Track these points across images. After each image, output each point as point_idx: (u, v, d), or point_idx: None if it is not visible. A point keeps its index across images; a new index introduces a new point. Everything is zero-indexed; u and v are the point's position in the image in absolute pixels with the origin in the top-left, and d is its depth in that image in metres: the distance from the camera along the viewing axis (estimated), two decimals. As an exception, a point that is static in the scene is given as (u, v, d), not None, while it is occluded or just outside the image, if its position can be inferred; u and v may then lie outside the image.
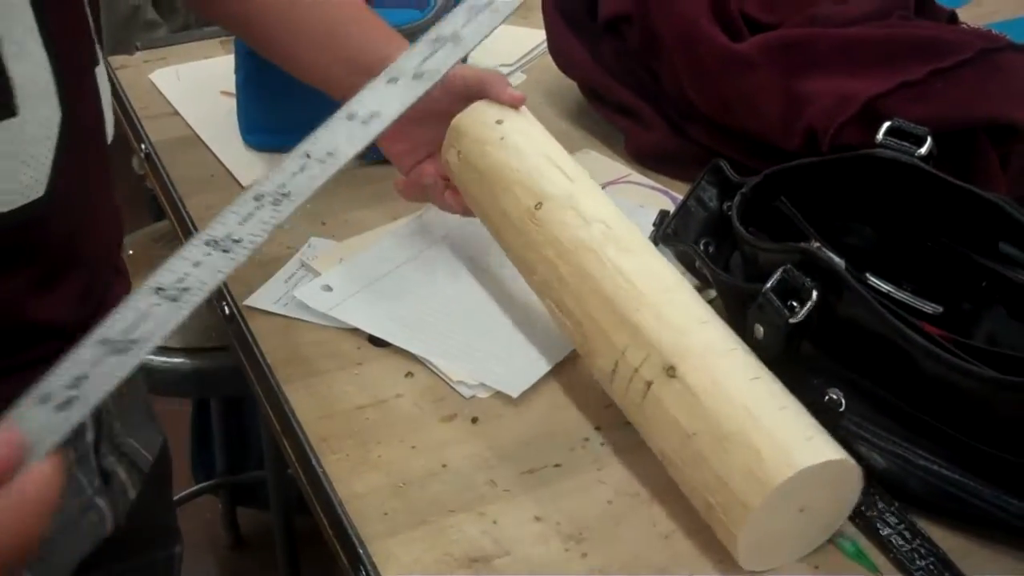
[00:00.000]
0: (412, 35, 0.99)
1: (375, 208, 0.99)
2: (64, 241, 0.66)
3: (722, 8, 0.99)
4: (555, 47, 1.13)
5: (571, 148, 1.08)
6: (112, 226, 0.74)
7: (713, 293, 0.85)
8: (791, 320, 0.67)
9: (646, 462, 0.70)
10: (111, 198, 0.73)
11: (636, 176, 1.05)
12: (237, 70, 1.08)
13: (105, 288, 0.72)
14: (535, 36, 1.30)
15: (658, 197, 1.02)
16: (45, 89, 0.61)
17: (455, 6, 1.10)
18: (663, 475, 0.68)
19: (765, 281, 0.69)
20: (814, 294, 0.67)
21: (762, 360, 0.68)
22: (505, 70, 1.24)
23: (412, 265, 0.91)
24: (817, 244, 0.76)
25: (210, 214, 0.97)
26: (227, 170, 1.05)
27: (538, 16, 1.18)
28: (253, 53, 1.03)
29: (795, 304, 0.68)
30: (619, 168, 1.07)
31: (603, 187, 1.01)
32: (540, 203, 0.76)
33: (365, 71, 0.69)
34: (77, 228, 0.67)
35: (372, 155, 0.98)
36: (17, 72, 0.58)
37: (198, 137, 1.13)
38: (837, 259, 0.69)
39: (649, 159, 1.06)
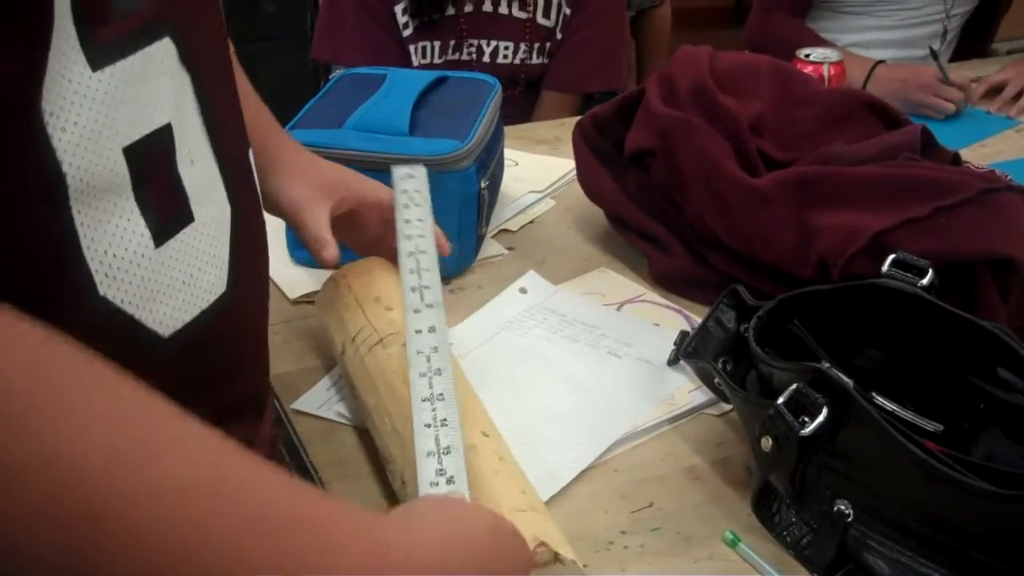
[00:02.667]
0: (454, 163, 1.08)
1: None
2: (251, 324, 0.70)
3: (741, 146, 1.07)
4: (583, 177, 1.21)
5: (592, 268, 1.16)
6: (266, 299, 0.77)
7: (727, 407, 0.91)
8: (801, 433, 0.73)
9: (670, 566, 0.75)
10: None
11: (652, 295, 1.12)
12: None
13: None
14: (563, 165, 1.39)
15: (674, 316, 1.08)
16: (214, 187, 0.64)
17: (494, 136, 1.19)
18: (683, 576, 0.73)
19: (778, 398, 0.75)
20: (824, 410, 0.73)
21: (773, 471, 0.74)
22: (535, 196, 1.32)
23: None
24: (827, 364, 0.81)
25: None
26: (276, 284, 1.12)
27: (566, 147, 1.27)
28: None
29: (806, 419, 0.74)
30: (635, 287, 1.13)
31: (620, 305, 1.09)
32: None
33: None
34: (257, 308, 0.71)
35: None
36: (190, 179, 0.61)
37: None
38: (846, 379, 0.74)
39: (670, 283, 1.12)
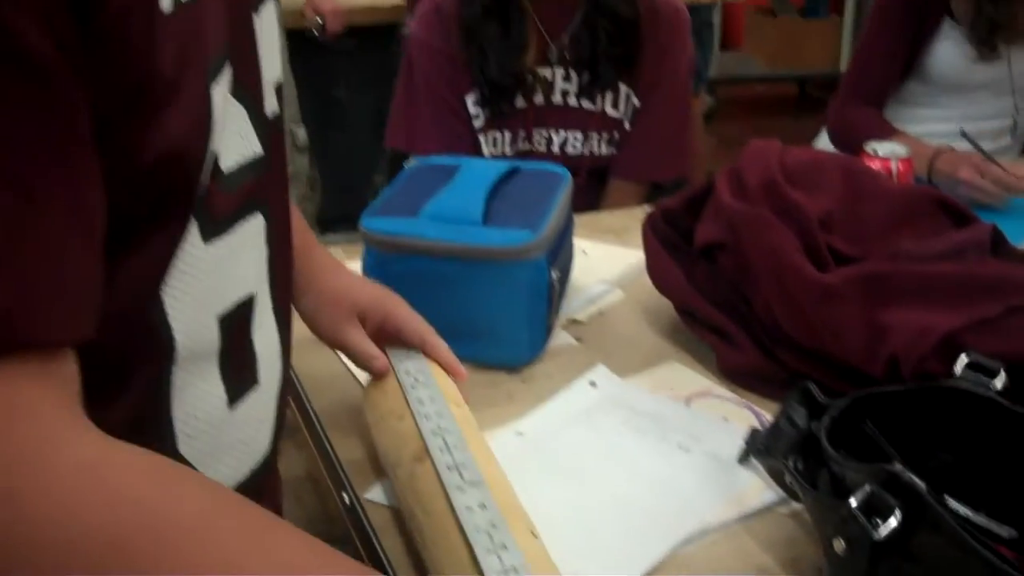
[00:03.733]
0: (526, 253, 1.10)
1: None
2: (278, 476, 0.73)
3: (810, 240, 1.08)
4: (653, 269, 1.23)
5: (661, 360, 1.16)
6: None
7: (797, 506, 0.91)
8: (874, 537, 0.73)
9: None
10: None
11: (720, 389, 1.12)
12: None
13: None
14: (631, 255, 1.40)
15: (742, 412, 1.09)
16: (275, 350, 0.68)
17: (565, 227, 1.21)
18: None
19: (850, 498, 0.75)
20: (897, 513, 0.73)
21: (845, 574, 0.73)
22: (604, 286, 1.34)
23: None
24: (900, 466, 0.81)
25: (332, 409, 1.06)
26: (349, 371, 1.14)
27: (634, 236, 1.29)
28: (380, 264, 1.14)
29: (878, 521, 0.74)
30: (703, 381, 1.14)
31: (689, 399, 1.09)
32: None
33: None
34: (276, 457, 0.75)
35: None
36: (260, 343, 0.65)
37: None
38: (919, 482, 0.74)
39: (739, 377, 1.13)
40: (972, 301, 0.98)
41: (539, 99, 1.81)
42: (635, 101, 1.82)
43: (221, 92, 0.57)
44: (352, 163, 3.07)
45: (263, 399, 0.67)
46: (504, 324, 1.14)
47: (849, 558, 0.76)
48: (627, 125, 1.83)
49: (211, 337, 0.60)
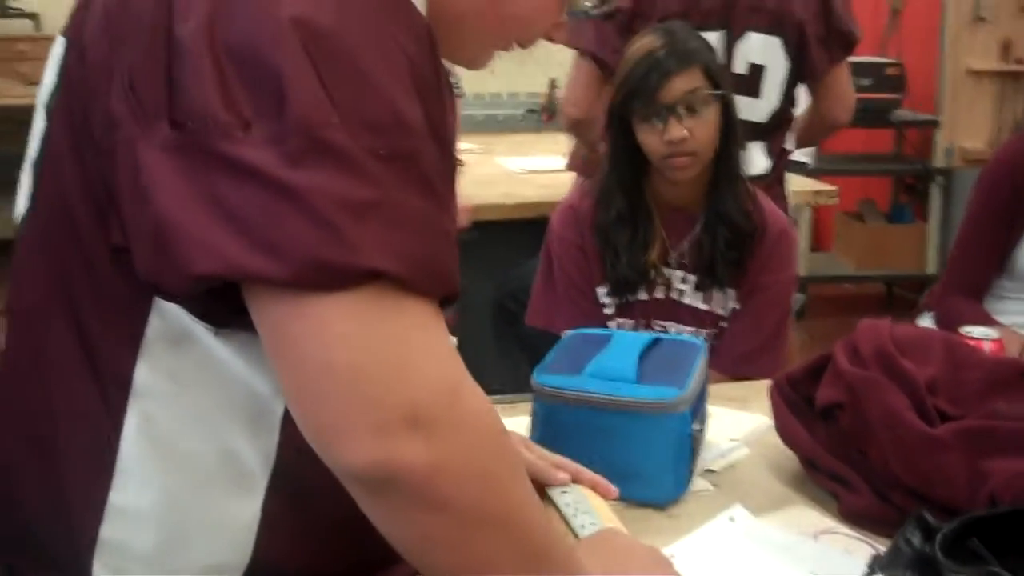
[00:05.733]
0: (674, 407, 1.31)
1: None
2: None
3: (918, 400, 1.28)
4: (780, 425, 1.42)
5: (789, 504, 1.35)
6: None
7: (918, 618, 1.08)
8: (984, 625, 0.90)
9: None
10: None
11: (842, 528, 1.30)
12: (533, 428, 1.40)
13: None
14: (754, 419, 1.60)
15: (861, 546, 1.26)
16: None
17: (703, 388, 1.42)
18: None
19: (964, 596, 0.93)
20: (1002, 609, 0.91)
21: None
22: (732, 443, 1.53)
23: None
24: (1003, 571, 0.99)
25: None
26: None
27: (754, 404, 1.49)
28: (549, 414, 1.36)
29: (987, 617, 0.91)
30: (828, 522, 1.32)
31: (815, 536, 1.27)
32: None
33: None
34: None
35: None
36: None
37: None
38: (1019, 584, 0.92)
39: (858, 519, 1.31)
40: (1061, 452, 1.17)
41: (659, 294, 2.05)
42: (734, 304, 2.04)
43: None
44: (471, 344, 3.33)
45: None
46: (653, 467, 1.34)
47: (963, 647, 0.93)
48: (725, 323, 2.05)
49: None
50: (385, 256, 0.68)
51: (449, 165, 0.79)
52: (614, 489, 1.17)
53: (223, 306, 0.71)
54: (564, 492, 1.17)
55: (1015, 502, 1.14)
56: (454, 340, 0.91)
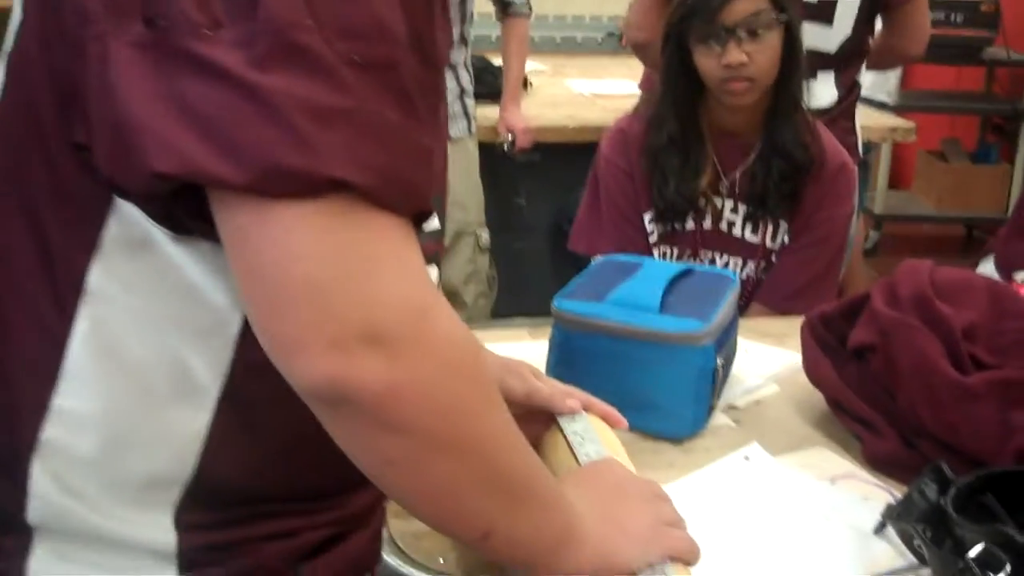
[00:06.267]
0: (697, 340, 1.27)
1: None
2: None
3: (953, 348, 1.22)
4: (808, 363, 1.37)
5: (810, 445, 1.30)
6: None
7: (924, 571, 1.03)
8: (988, 584, 0.86)
9: None
10: None
11: (862, 473, 1.25)
12: (550, 353, 1.37)
13: None
14: (785, 356, 1.55)
15: (880, 493, 1.21)
16: None
17: (731, 323, 1.38)
18: None
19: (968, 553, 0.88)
20: (1007, 567, 0.86)
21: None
22: (761, 380, 1.48)
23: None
24: (1013, 529, 0.94)
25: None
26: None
27: (793, 342, 1.44)
28: (567, 340, 1.32)
29: (991, 573, 0.87)
30: (847, 466, 1.27)
31: (832, 479, 1.22)
32: None
33: None
34: None
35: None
36: None
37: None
38: (1030, 545, 0.87)
39: (881, 464, 1.26)
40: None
41: (707, 224, 1.98)
42: (785, 237, 1.97)
43: None
44: (527, 265, 3.30)
45: None
46: (671, 400, 1.30)
47: (965, 606, 0.88)
48: (775, 257, 1.98)
49: None
50: (350, 166, 0.65)
51: (434, 81, 0.75)
52: (623, 419, 1.13)
53: (184, 210, 0.68)
54: (573, 420, 1.13)
55: (1042, 459, 1.08)
56: (434, 270, 0.87)
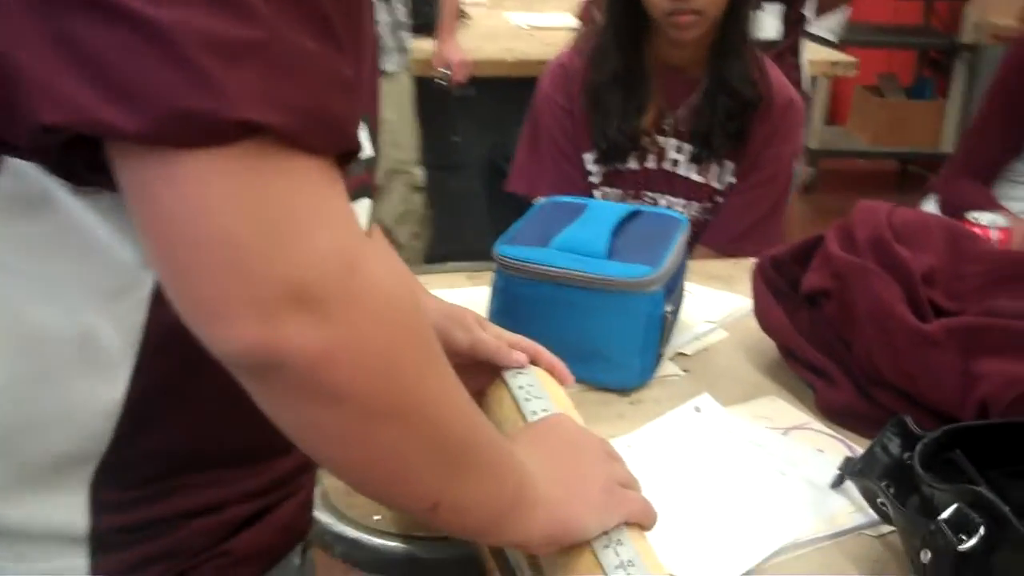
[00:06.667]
0: (645, 286, 1.20)
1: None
2: None
3: (912, 293, 1.17)
4: (760, 310, 1.32)
5: (762, 395, 1.25)
6: None
7: (885, 529, 0.99)
8: (959, 548, 0.81)
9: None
10: None
11: (815, 424, 1.20)
12: (491, 301, 1.29)
13: None
14: (735, 300, 1.49)
15: (836, 444, 1.16)
16: None
17: (680, 267, 1.31)
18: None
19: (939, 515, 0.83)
20: (981, 529, 0.81)
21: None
22: (709, 325, 1.43)
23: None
24: (986, 489, 0.89)
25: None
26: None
27: (740, 284, 1.38)
28: (510, 287, 1.25)
29: (963, 537, 0.82)
30: (801, 416, 1.22)
31: (786, 431, 1.17)
32: None
33: None
34: None
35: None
36: None
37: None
38: (1002, 504, 0.82)
39: (835, 414, 1.21)
40: (1063, 357, 1.06)
41: (651, 163, 1.91)
42: (731, 179, 1.91)
43: None
44: (463, 205, 3.22)
45: None
46: (619, 350, 1.23)
47: (934, 570, 0.84)
48: (720, 198, 1.92)
49: None
50: (264, 106, 0.57)
51: (355, 3, 0.67)
52: (570, 376, 1.07)
53: (82, 162, 0.60)
54: (519, 374, 1.07)
55: (1007, 412, 1.04)
56: (366, 204, 0.80)
